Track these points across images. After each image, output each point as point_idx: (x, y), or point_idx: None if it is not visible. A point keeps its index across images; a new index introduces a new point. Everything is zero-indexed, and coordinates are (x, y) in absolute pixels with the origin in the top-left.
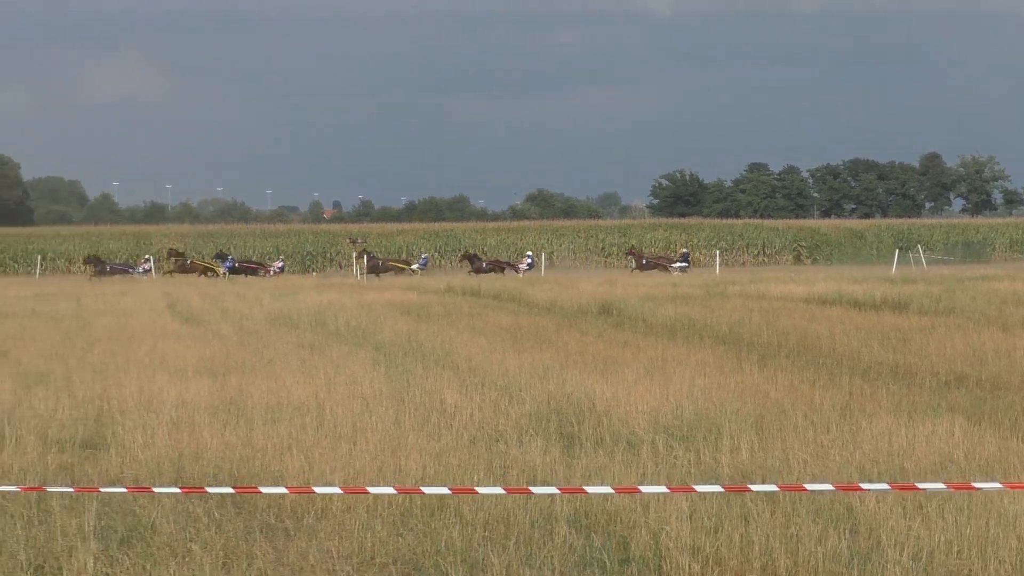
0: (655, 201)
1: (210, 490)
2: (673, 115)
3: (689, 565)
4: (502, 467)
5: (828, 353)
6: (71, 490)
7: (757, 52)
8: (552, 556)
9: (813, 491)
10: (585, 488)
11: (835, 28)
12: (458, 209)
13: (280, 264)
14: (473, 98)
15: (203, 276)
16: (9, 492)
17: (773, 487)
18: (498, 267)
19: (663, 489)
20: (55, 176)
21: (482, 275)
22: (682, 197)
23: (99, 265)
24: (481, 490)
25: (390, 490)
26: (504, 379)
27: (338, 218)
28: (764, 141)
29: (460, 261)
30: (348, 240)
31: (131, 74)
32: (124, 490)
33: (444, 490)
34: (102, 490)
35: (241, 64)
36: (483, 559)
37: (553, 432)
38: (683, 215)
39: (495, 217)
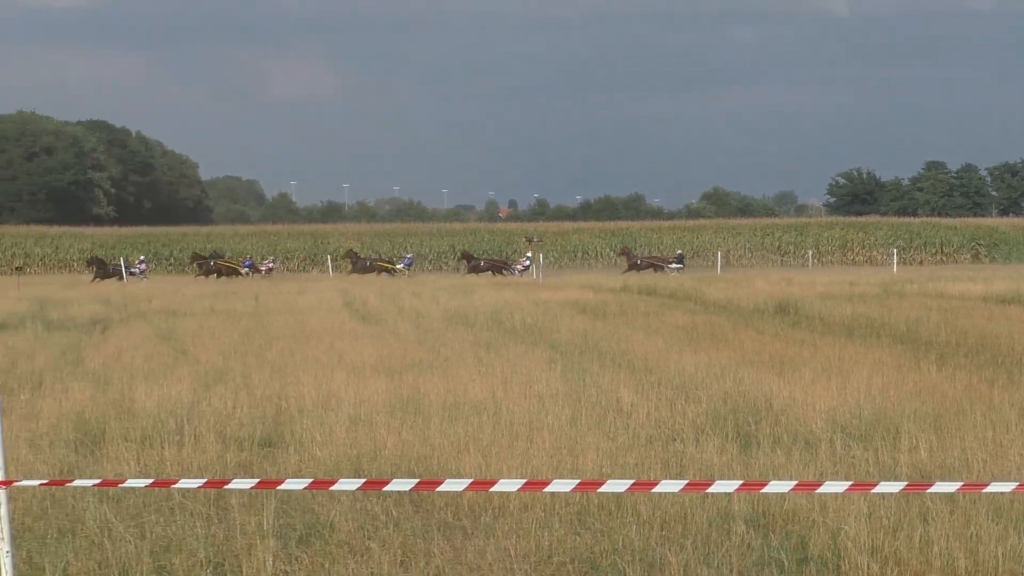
0: (831, 199)
1: (390, 487)
2: (850, 113)
3: (868, 565)
4: (679, 466)
5: (1007, 352)
6: (248, 486)
7: (934, 50)
8: (730, 555)
9: (994, 491)
10: (762, 486)
11: (1013, 25)
12: (633, 208)
13: (271, 263)
14: (649, 96)
15: (380, 275)
16: (189, 490)
17: (955, 486)
18: (495, 267)
19: (841, 487)
20: (233, 176)
21: (486, 275)
22: (859, 195)
23: (101, 267)
24: (658, 488)
25: (567, 487)
26: (680, 378)
27: (514, 217)
28: (941, 139)
29: (458, 261)
30: (524, 239)
31: (310, 74)
32: (304, 485)
33: (621, 487)
34: (281, 488)
35: (418, 64)
36: (660, 558)
37: (730, 431)
38: (860, 213)
39: (670, 216)
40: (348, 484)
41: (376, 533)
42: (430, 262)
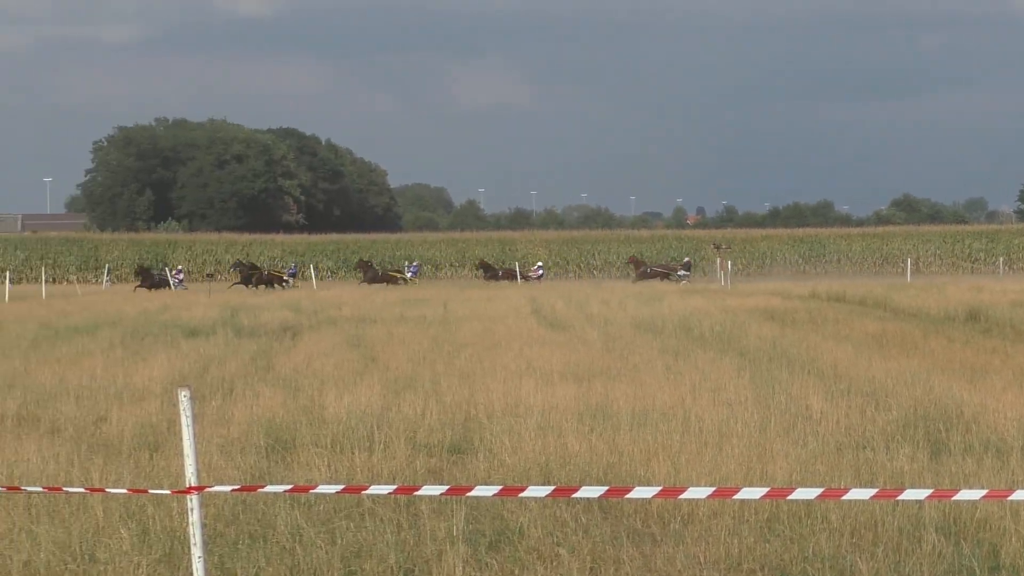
0: (1023, 206)
1: (579, 494)
2: None
3: None
4: (869, 474)
5: None
6: (439, 492)
7: None
8: (921, 563)
9: None
10: (953, 493)
11: None
12: (822, 214)
13: (293, 270)
14: (837, 102)
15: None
16: (379, 496)
17: None
18: (510, 275)
19: None
20: (422, 183)
21: (497, 281)
22: None
23: (147, 277)
24: (848, 495)
25: (756, 494)
26: (871, 385)
27: (701, 224)
28: None
29: (476, 269)
30: (712, 246)
31: (499, 81)
32: (494, 492)
33: (811, 494)
34: (470, 494)
35: (607, 70)
36: (851, 565)
37: (920, 439)
38: None
39: (859, 222)
40: (537, 490)
41: (565, 539)
42: (617, 269)
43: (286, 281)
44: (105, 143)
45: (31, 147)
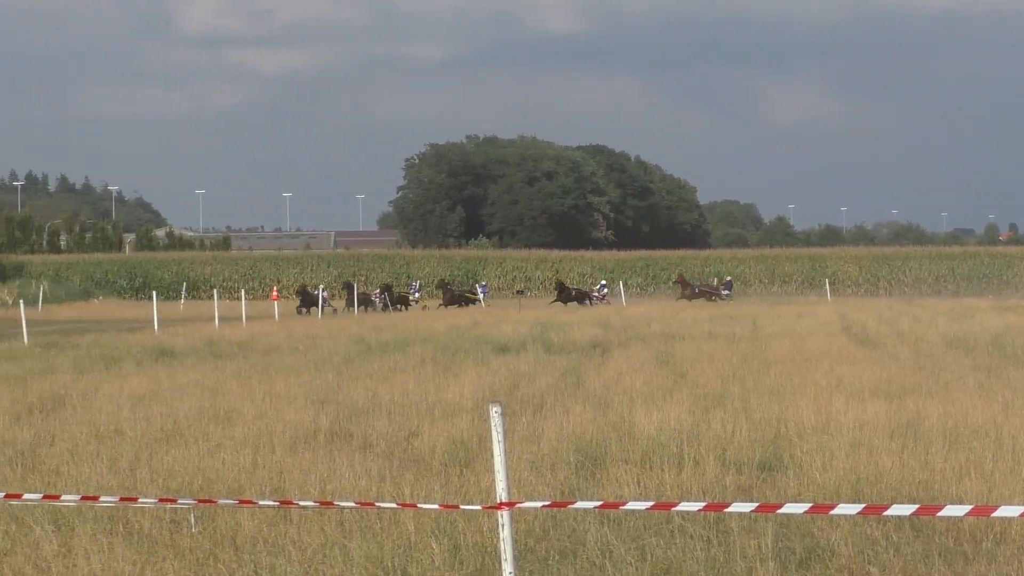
0: None
1: (890, 512)
2: None
3: None
4: None
5: None
6: (749, 509)
7: None
8: None
9: None
10: None
11: None
12: None
13: (416, 288)
14: None
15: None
16: (689, 512)
17: None
18: (581, 296)
19: None
20: (731, 199)
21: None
22: None
23: (307, 298)
24: None
25: None
26: None
27: (1013, 240)
28: None
29: (553, 290)
30: None
31: (810, 97)
32: (804, 509)
33: None
34: (780, 511)
35: (918, 86)
36: None
37: None
38: None
39: None
40: (847, 508)
41: (876, 558)
42: (928, 286)
43: (415, 301)
44: (417, 160)
45: (345, 165)
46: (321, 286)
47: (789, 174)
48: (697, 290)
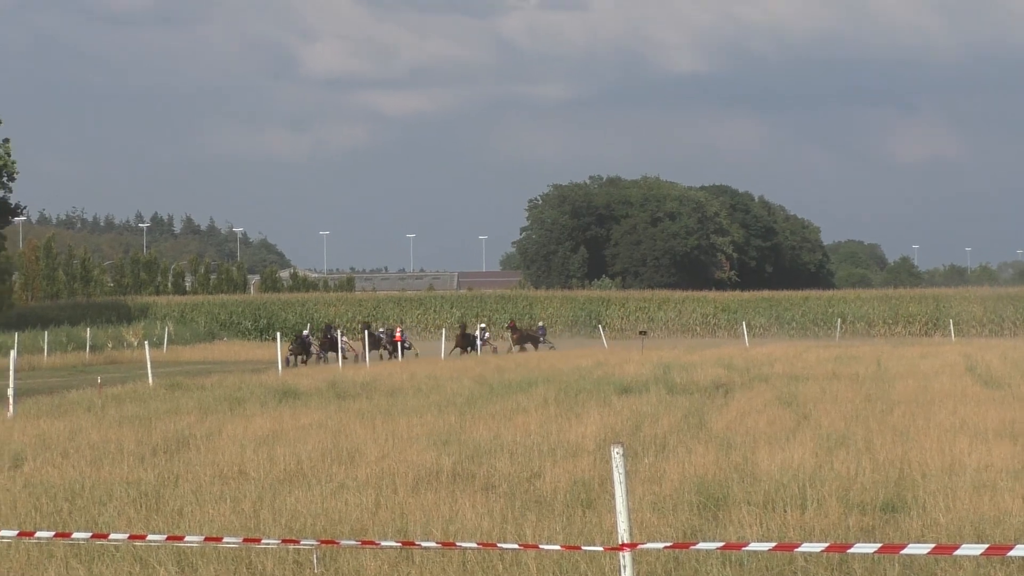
0: None
1: (1013, 552)
2: None
3: None
4: None
5: None
6: (871, 551)
7: None
8: None
9: None
10: None
11: None
12: None
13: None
14: None
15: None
16: (811, 554)
17: None
18: (468, 342)
19: None
20: (855, 239)
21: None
22: None
23: (373, 340)
24: None
25: None
26: None
27: None
28: None
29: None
30: None
31: (934, 136)
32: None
33: None
34: (903, 552)
35: None
36: None
37: None
38: None
39: None
40: (971, 549)
41: None
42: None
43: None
44: (540, 201)
45: (468, 206)
46: (339, 329)
47: (913, 214)
48: (525, 334)
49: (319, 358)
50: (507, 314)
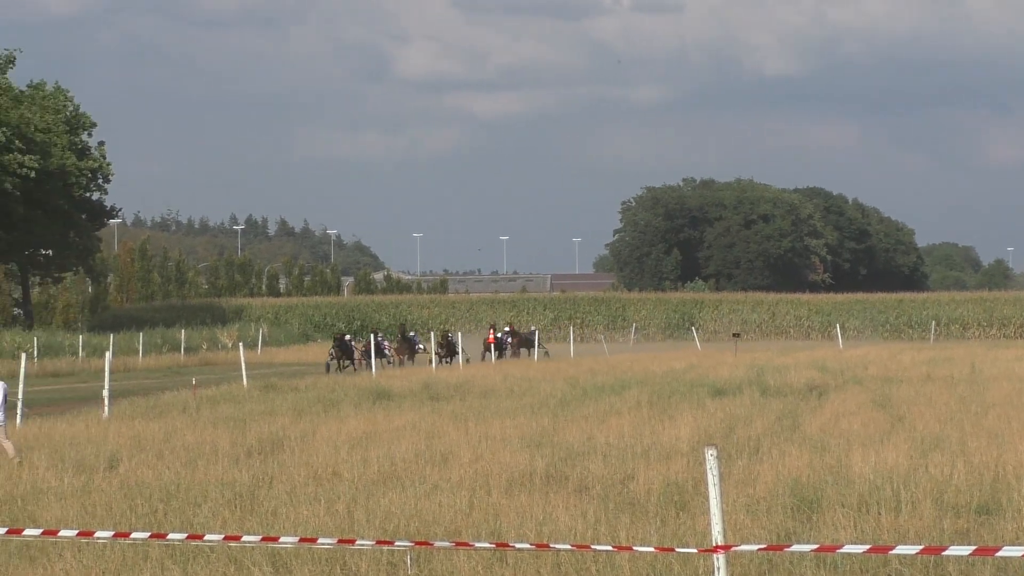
0: None
1: None
2: None
3: None
4: None
5: None
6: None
7: None
8: None
9: None
10: None
11: None
12: None
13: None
14: None
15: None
16: (905, 556)
17: None
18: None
19: None
20: (949, 242)
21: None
22: None
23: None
24: None
25: None
26: None
27: None
28: None
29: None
30: None
31: None
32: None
33: None
34: (997, 555)
35: None
36: None
37: None
38: None
39: None
40: None
41: None
42: None
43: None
44: (633, 203)
45: (561, 208)
46: (379, 333)
47: (1008, 216)
48: (525, 339)
49: (361, 363)
50: (601, 316)
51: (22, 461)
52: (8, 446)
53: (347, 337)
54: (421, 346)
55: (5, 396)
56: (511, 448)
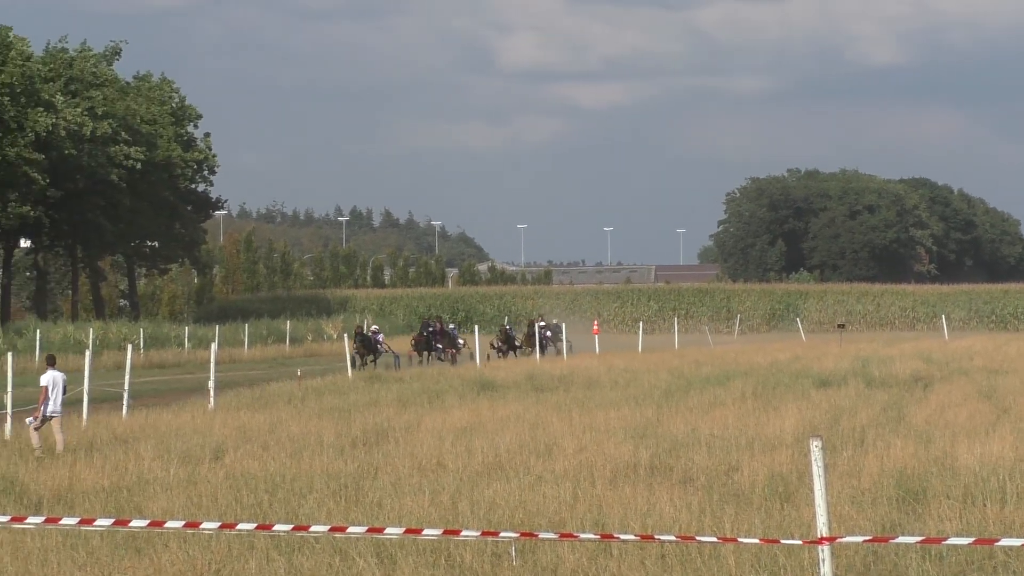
0: None
1: None
2: None
3: None
4: None
5: None
6: None
7: None
8: None
9: None
10: None
11: None
12: None
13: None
14: None
15: None
16: (1012, 548)
17: None
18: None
19: None
20: None
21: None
22: None
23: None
24: None
25: None
26: None
27: None
28: None
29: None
30: None
31: None
32: None
33: None
34: None
35: None
36: None
37: None
38: None
39: None
40: None
41: None
42: None
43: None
44: (737, 194)
45: (665, 198)
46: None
47: None
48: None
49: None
50: (705, 307)
51: (44, 459)
52: (59, 439)
53: (374, 329)
54: (461, 341)
55: (64, 388)
56: (615, 439)
